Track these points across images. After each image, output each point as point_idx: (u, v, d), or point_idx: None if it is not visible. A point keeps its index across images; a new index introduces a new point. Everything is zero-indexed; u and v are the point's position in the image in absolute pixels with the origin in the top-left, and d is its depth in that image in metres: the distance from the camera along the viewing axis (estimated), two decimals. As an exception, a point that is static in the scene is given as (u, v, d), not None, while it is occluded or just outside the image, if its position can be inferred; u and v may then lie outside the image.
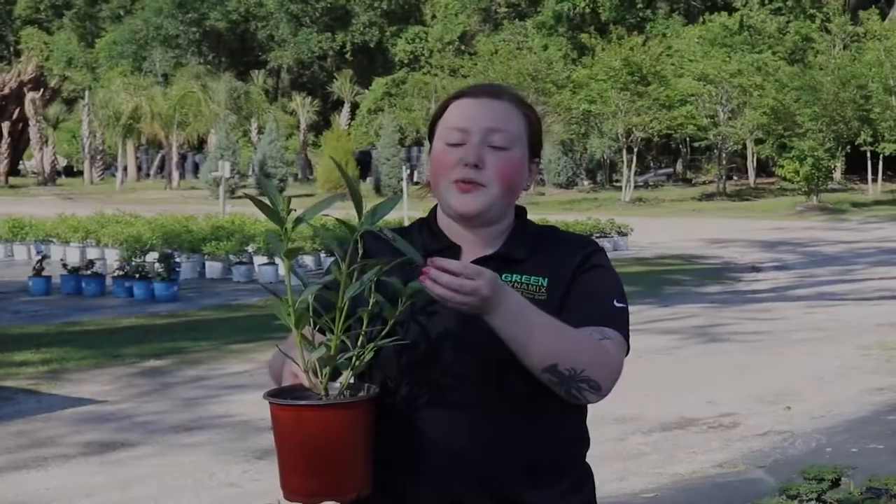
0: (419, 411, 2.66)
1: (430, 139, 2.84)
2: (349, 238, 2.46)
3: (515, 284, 2.69)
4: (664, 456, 9.10)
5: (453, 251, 2.76)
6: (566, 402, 2.64)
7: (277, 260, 23.44)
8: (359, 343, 2.52)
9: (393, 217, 25.81)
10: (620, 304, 2.75)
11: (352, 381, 2.53)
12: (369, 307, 2.53)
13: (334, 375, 2.52)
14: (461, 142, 2.72)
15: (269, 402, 2.48)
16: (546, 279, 2.72)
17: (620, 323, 2.73)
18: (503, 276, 2.63)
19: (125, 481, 8.46)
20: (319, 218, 2.50)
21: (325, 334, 2.54)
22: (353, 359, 2.50)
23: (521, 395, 2.65)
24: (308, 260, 24.33)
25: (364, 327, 2.53)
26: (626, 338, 2.74)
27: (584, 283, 2.74)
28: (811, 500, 6.50)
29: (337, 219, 2.63)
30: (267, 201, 2.46)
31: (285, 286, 2.53)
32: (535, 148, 2.83)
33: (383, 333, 2.53)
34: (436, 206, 2.88)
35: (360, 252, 2.47)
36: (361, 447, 2.50)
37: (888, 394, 11.33)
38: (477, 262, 2.68)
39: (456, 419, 2.65)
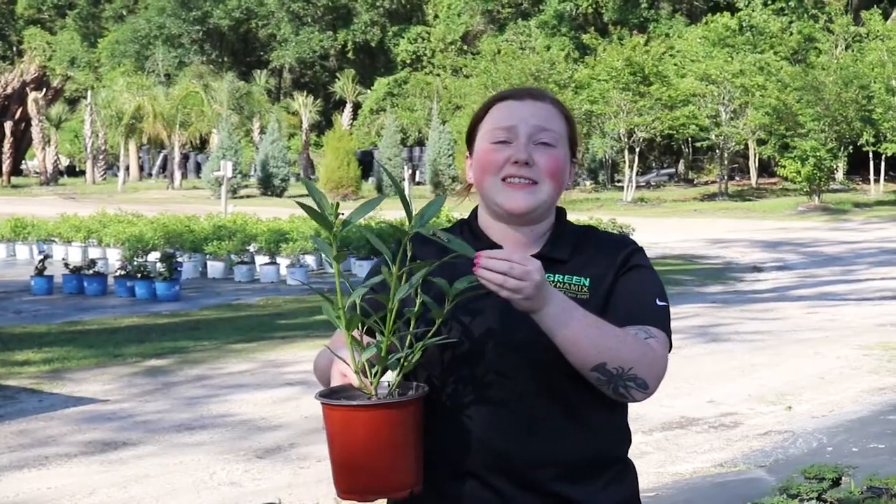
0: (463, 409, 2.70)
1: (469, 143, 2.89)
2: (393, 240, 2.51)
3: (558, 284, 2.73)
4: (665, 455, 9.11)
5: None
6: (609, 400, 2.68)
7: (279, 259, 23.48)
8: (407, 343, 2.56)
9: (395, 215, 25.60)
10: (662, 303, 2.80)
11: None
12: (416, 308, 2.58)
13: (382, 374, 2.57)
14: (508, 140, 2.77)
15: (322, 403, 2.52)
16: (588, 279, 2.77)
17: (663, 321, 2.77)
18: (546, 276, 2.64)
19: (126, 480, 8.48)
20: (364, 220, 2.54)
21: (372, 335, 2.58)
22: (402, 359, 2.54)
23: (565, 394, 2.70)
24: (310, 260, 24.33)
25: (412, 328, 2.57)
26: (669, 335, 2.78)
27: (627, 283, 2.79)
28: (812, 499, 6.51)
29: (389, 223, 2.67)
30: (313, 205, 2.49)
31: (334, 287, 2.56)
32: (573, 149, 2.89)
33: (431, 333, 2.57)
34: (476, 207, 2.92)
35: (409, 254, 2.53)
36: (412, 445, 2.54)
37: (889, 394, 11.34)
38: None
39: (499, 417, 2.69)
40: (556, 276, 2.75)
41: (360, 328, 2.56)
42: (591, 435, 2.74)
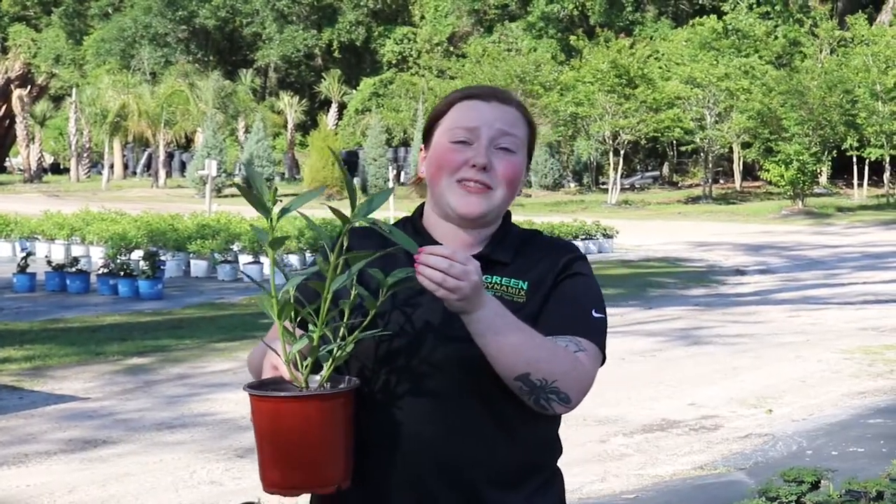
0: (395, 401, 2.66)
1: (427, 137, 2.83)
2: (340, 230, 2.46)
3: (496, 286, 2.70)
4: (645, 458, 9.12)
5: None
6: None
7: (262, 259, 23.45)
8: (340, 335, 2.51)
9: (378, 216, 25.54)
10: (599, 315, 2.74)
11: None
12: (350, 299, 2.53)
13: (315, 368, 2.51)
14: (468, 140, 2.71)
15: (249, 394, 2.47)
16: (526, 283, 2.72)
17: (597, 334, 2.72)
18: (484, 276, 2.61)
19: (106, 478, 8.47)
20: (309, 211, 2.50)
21: (306, 326, 2.53)
22: (335, 351, 2.49)
23: (496, 395, 2.64)
24: (293, 259, 24.31)
25: (346, 319, 2.52)
26: (602, 349, 2.73)
27: (564, 290, 2.74)
28: (791, 502, 6.52)
29: (331, 208, 2.64)
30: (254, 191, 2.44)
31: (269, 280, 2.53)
32: (531, 155, 2.85)
33: (364, 325, 2.52)
34: (421, 205, 2.88)
35: (345, 245, 2.47)
36: (341, 439, 2.49)
37: (869, 398, 11.37)
38: None
39: (430, 411, 2.65)
40: (495, 277, 2.71)
41: (293, 319, 2.52)
42: (520, 442, 2.70)
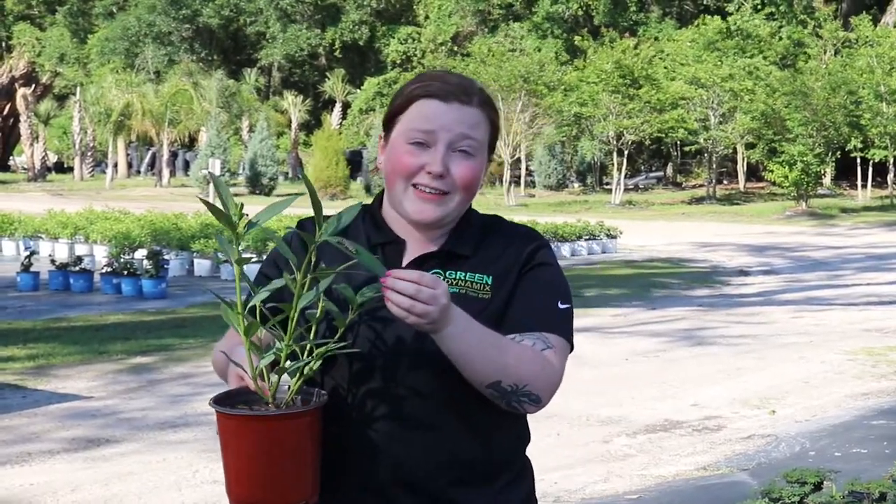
0: (367, 418, 2.64)
1: (386, 128, 2.76)
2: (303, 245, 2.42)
3: (459, 282, 2.68)
4: (648, 458, 9.12)
5: (398, 245, 2.74)
6: None
7: (264, 256, 23.42)
8: (307, 351, 2.47)
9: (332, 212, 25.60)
10: (565, 305, 2.72)
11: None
12: (318, 313, 2.48)
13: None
14: (426, 142, 2.65)
15: (215, 410, 2.42)
16: (490, 277, 2.69)
17: (564, 326, 2.71)
18: (447, 272, 2.64)
19: (109, 477, 8.47)
20: (275, 223, 2.45)
21: (274, 332, 2.49)
22: (303, 367, 2.45)
23: (467, 403, 2.64)
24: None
25: (313, 335, 2.49)
26: (570, 339, 2.72)
27: (529, 283, 2.71)
28: (793, 503, 6.51)
29: (297, 230, 2.60)
30: (219, 204, 2.38)
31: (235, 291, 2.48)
32: (492, 150, 2.79)
33: (333, 340, 2.48)
34: (380, 194, 2.82)
35: (313, 261, 2.42)
36: (309, 456, 2.46)
37: (872, 399, 11.37)
38: (422, 257, 2.70)
39: (401, 425, 2.64)
40: (458, 273, 2.69)
41: (260, 330, 2.47)
42: (489, 441, 2.69)
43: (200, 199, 2.63)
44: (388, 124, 2.75)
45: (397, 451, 2.63)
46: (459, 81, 2.72)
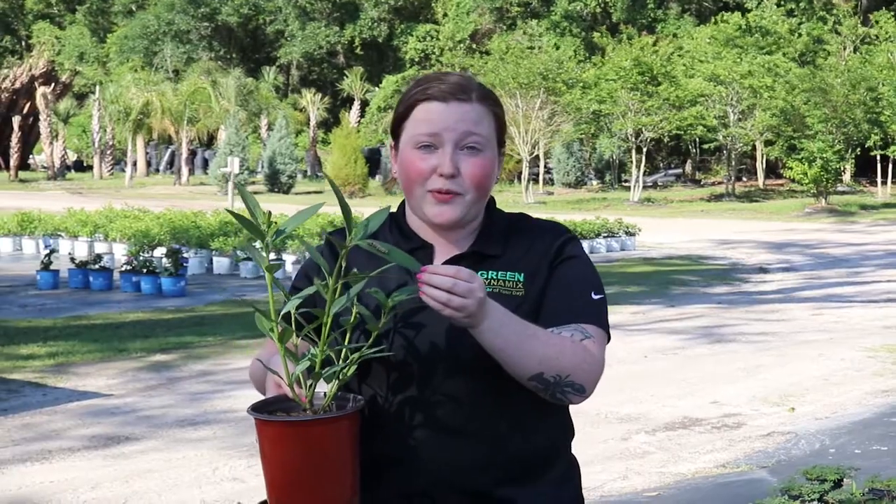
0: (407, 424, 2.66)
1: (395, 137, 2.79)
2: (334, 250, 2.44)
3: (493, 281, 2.69)
4: (668, 455, 9.11)
5: (426, 250, 2.76)
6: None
7: (284, 256, 23.47)
8: (342, 357, 2.49)
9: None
10: (598, 296, 2.75)
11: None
12: (351, 318, 2.51)
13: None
14: (433, 145, 2.67)
15: (254, 418, 2.45)
16: (522, 274, 2.72)
17: (599, 316, 2.73)
18: (479, 273, 2.63)
19: (129, 475, 8.49)
20: (304, 227, 2.47)
21: (310, 340, 2.51)
22: (338, 372, 2.47)
23: (508, 401, 2.67)
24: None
25: (347, 341, 2.51)
26: (606, 329, 2.74)
27: (561, 276, 2.73)
28: (813, 500, 6.50)
29: (328, 236, 2.62)
30: (247, 214, 2.42)
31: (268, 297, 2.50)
32: (501, 141, 2.80)
33: (367, 345, 2.50)
34: (403, 202, 2.85)
35: (343, 265, 2.44)
36: (348, 460, 2.47)
37: (893, 396, 11.33)
38: (451, 260, 2.71)
39: (442, 429, 2.66)
40: (490, 272, 2.71)
41: (296, 337, 2.49)
42: (534, 437, 2.71)
43: (228, 211, 2.65)
44: (395, 132, 2.78)
45: (441, 455, 2.65)
46: (457, 80, 2.74)
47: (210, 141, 79.05)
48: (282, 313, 2.45)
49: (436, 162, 2.67)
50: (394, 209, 2.83)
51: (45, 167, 79.23)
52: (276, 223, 2.44)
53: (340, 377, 2.48)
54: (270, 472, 2.45)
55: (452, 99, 2.69)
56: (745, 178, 63.16)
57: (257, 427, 2.45)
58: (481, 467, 2.66)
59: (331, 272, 2.44)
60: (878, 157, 53.21)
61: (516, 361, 2.53)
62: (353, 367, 2.49)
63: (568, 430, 2.87)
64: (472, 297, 2.40)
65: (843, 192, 53.41)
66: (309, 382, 2.46)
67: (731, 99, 53.59)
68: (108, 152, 77.72)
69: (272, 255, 15.35)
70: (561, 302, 2.70)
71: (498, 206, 2.87)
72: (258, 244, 2.48)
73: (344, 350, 2.49)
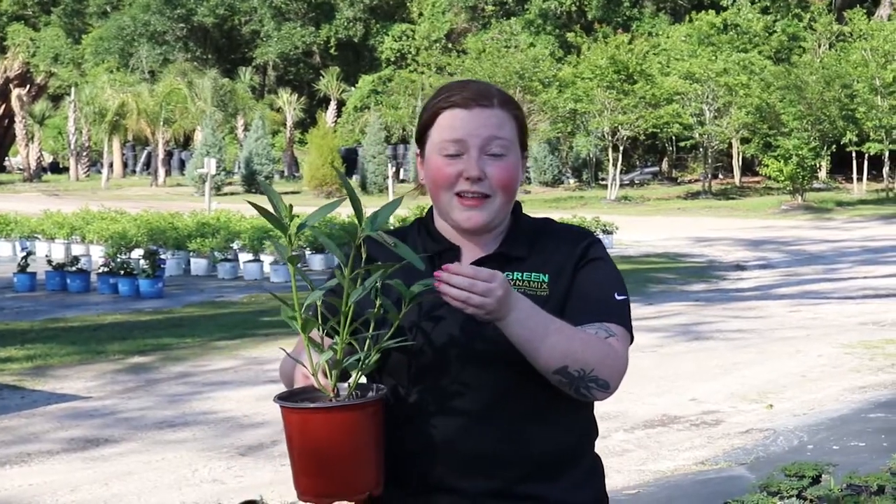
0: (432, 416, 2.70)
1: (420, 145, 2.85)
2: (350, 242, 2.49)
3: (517, 282, 2.74)
4: (647, 453, 9.14)
5: (453, 252, 2.80)
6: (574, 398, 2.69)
7: (263, 257, 23.45)
8: (366, 346, 2.55)
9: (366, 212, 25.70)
10: (622, 297, 2.81)
11: (362, 381, 2.58)
12: (375, 310, 2.56)
13: (345, 376, 2.55)
14: (458, 152, 2.73)
15: (279, 405, 2.52)
16: (547, 275, 2.77)
17: (623, 316, 2.79)
18: (505, 274, 2.66)
19: (108, 477, 8.48)
20: (321, 223, 2.52)
21: (334, 337, 2.56)
22: (360, 361, 2.53)
23: (531, 395, 2.71)
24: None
25: (370, 330, 2.56)
26: (630, 329, 2.80)
27: (586, 277, 2.79)
28: (792, 496, 6.53)
29: (341, 226, 2.65)
30: (269, 207, 2.49)
31: (316, 282, 2.57)
32: (524, 144, 2.86)
33: (388, 335, 2.56)
34: (432, 206, 2.89)
35: (364, 256, 2.52)
36: (371, 447, 2.53)
37: (870, 392, 11.38)
38: (478, 262, 2.75)
39: (468, 421, 2.69)
40: (516, 273, 2.76)
41: (321, 330, 2.55)
42: (558, 432, 2.75)
43: (251, 204, 2.70)
44: (421, 140, 2.84)
45: (462, 449, 2.69)
46: (478, 87, 2.81)
47: (186, 142, 78.88)
48: (305, 304, 2.51)
49: (462, 167, 2.73)
50: (407, 209, 2.87)
51: (20, 169, 78.98)
52: (298, 217, 2.51)
53: (363, 366, 2.54)
54: (295, 459, 2.52)
55: (475, 105, 2.76)
56: (721, 176, 63.24)
57: (283, 415, 2.52)
58: (503, 462, 2.70)
59: (354, 265, 2.51)
60: (854, 154, 53.33)
61: (541, 354, 2.58)
62: (376, 357, 2.55)
63: (592, 429, 2.91)
64: (491, 296, 2.46)
65: (819, 189, 53.54)
66: (333, 371, 2.51)
67: (707, 97, 53.68)
68: (84, 154, 77.50)
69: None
70: (586, 302, 2.75)
71: None
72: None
73: (367, 340, 2.55)
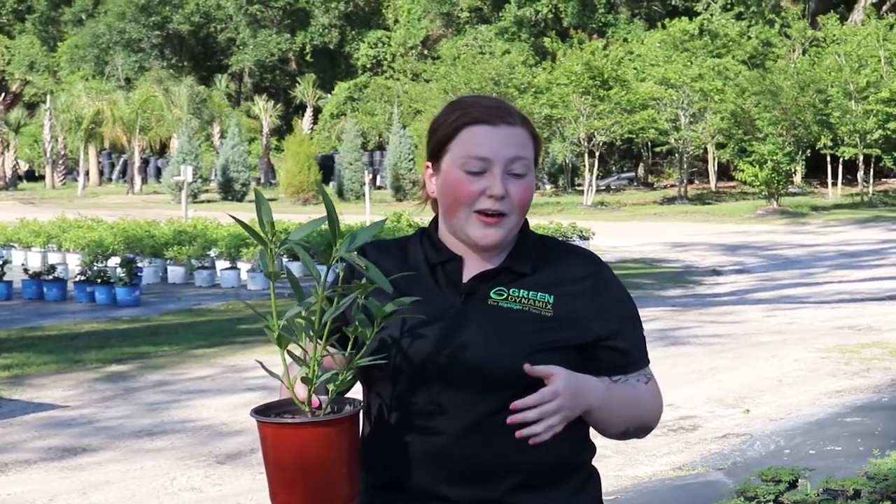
0: (422, 426, 2.69)
1: (434, 157, 2.80)
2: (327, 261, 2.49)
3: (522, 299, 2.72)
4: (624, 459, 9.15)
5: (456, 262, 2.78)
6: None
7: (240, 264, 23.43)
8: (346, 362, 2.55)
9: (355, 220, 25.93)
10: (641, 329, 2.87)
11: (349, 394, 2.61)
12: (351, 328, 2.55)
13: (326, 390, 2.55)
14: (482, 170, 2.70)
15: (255, 419, 2.52)
16: (552, 296, 2.74)
17: (646, 350, 2.89)
18: (510, 290, 2.69)
19: (87, 486, 8.46)
20: (306, 237, 2.51)
21: (345, 343, 2.57)
22: (337, 378, 2.53)
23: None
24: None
25: (350, 346, 2.55)
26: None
27: (612, 317, 2.79)
28: (769, 501, 6.57)
29: (318, 233, 2.67)
30: (256, 221, 2.49)
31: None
32: (537, 163, 2.85)
33: (361, 353, 2.54)
34: (436, 217, 2.87)
35: (341, 275, 2.53)
36: (345, 462, 2.51)
37: (846, 396, 11.43)
38: (481, 274, 2.75)
39: (456, 437, 2.68)
40: (521, 291, 2.74)
41: (321, 344, 2.52)
42: (552, 444, 2.69)
43: (233, 218, 2.70)
44: (437, 154, 2.79)
45: (452, 462, 2.68)
46: (496, 104, 2.79)
47: (163, 149, 78.68)
48: (282, 322, 2.50)
49: (485, 184, 2.70)
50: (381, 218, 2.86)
51: (-4, 177, 78.71)
52: (280, 233, 2.53)
53: (338, 383, 2.54)
54: (270, 472, 2.52)
55: (501, 122, 2.73)
56: (697, 181, 63.39)
57: (258, 428, 2.52)
58: (494, 474, 2.69)
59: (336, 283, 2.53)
60: (829, 159, 53.55)
61: (612, 424, 2.78)
62: (350, 373, 2.55)
63: (589, 445, 2.92)
64: (561, 412, 2.57)
65: (795, 194, 53.70)
66: (307, 387, 2.51)
67: (683, 102, 53.80)
68: (61, 162, 77.26)
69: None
70: (625, 352, 2.80)
71: None
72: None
73: (346, 357, 2.56)
